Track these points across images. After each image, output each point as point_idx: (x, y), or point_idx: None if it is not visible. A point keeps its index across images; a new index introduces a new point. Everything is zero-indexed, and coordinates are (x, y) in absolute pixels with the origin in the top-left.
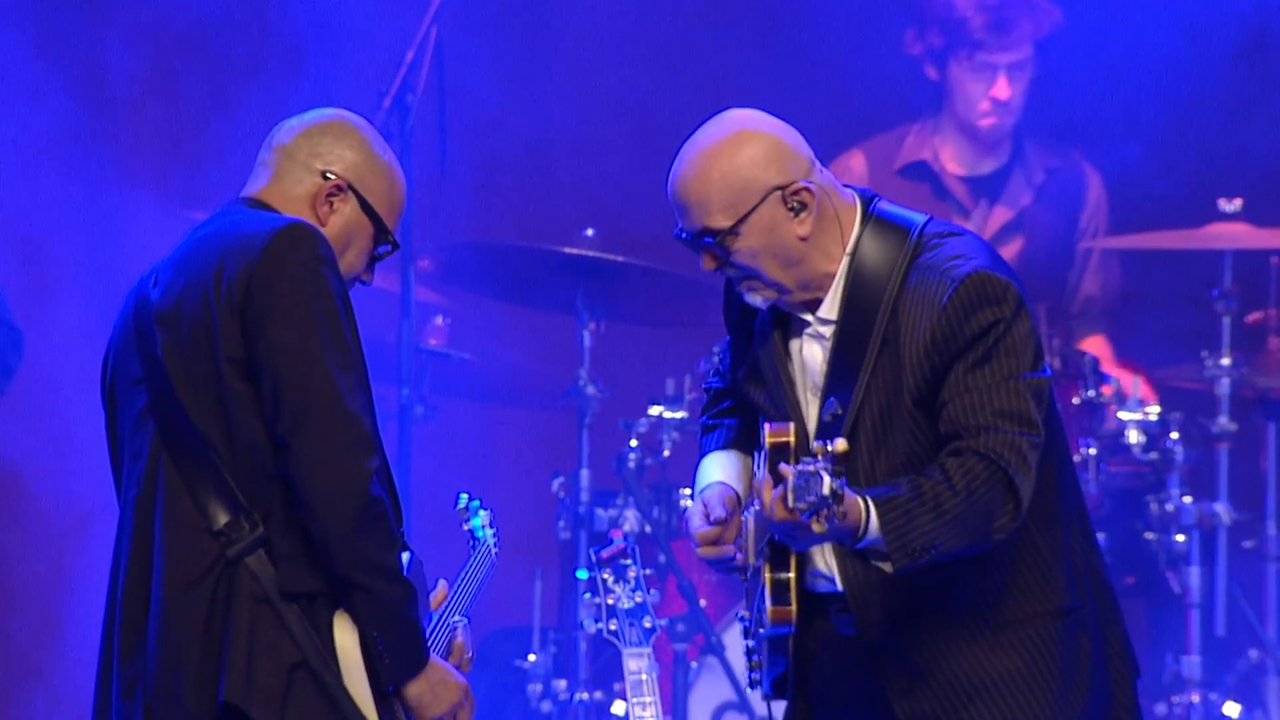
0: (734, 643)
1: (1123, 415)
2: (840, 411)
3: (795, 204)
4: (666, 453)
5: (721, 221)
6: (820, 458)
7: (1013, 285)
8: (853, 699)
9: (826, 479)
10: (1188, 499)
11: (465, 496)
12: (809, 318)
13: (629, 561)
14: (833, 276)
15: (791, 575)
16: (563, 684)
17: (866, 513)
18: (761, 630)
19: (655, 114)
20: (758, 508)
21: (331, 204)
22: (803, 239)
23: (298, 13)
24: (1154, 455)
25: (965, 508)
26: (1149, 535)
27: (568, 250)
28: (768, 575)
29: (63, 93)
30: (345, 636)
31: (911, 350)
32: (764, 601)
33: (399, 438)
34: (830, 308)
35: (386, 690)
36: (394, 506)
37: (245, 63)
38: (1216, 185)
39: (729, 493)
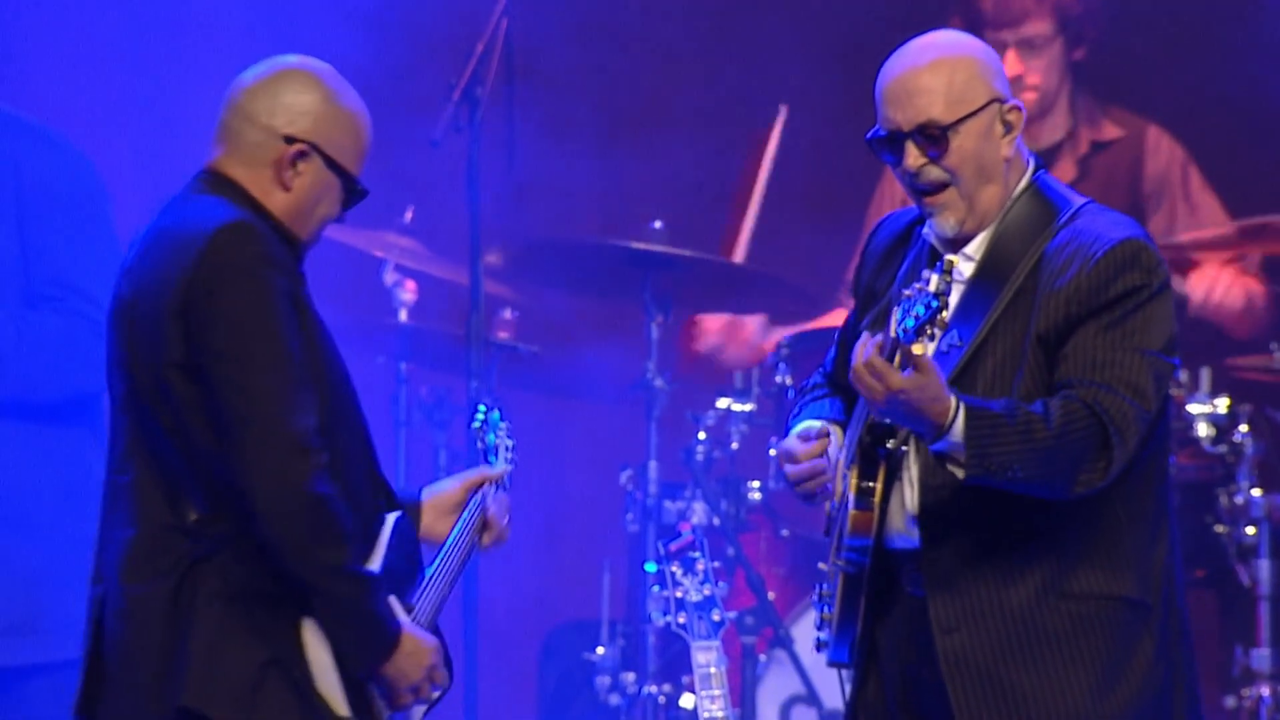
0: (803, 636)
1: (1192, 409)
2: (960, 343)
3: (1007, 122)
4: (735, 445)
5: (947, 115)
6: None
7: (1164, 264)
8: (924, 667)
9: (934, 278)
10: (1257, 492)
11: (484, 409)
12: (953, 257)
13: (697, 554)
14: (994, 217)
15: (878, 485)
16: (631, 677)
17: (955, 412)
18: (839, 562)
19: (724, 105)
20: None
21: (296, 167)
22: (1005, 160)
23: (368, 8)
24: (1223, 448)
25: (1054, 444)
26: (1218, 528)
27: (635, 245)
28: (854, 480)
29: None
30: (310, 633)
31: (1049, 295)
32: (843, 520)
33: (467, 431)
34: (977, 247)
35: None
36: (370, 493)
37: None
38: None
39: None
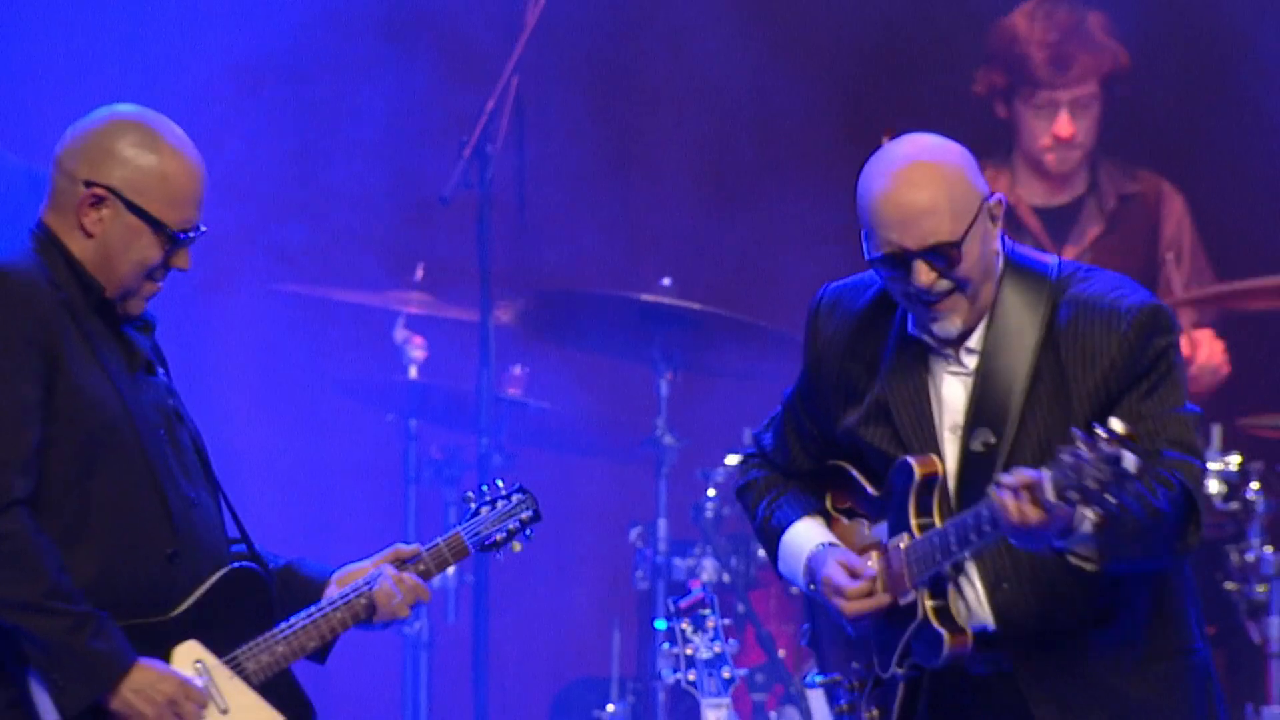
0: (813, 693)
1: None
2: (994, 441)
3: (994, 216)
4: None
5: (953, 231)
6: (1091, 445)
7: (1175, 316)
8: None
9: (1130, 456)
10: (1268, 549)
11: (486, 488)
12: (951, 352)
13: (707, 611)
14: (989, 306)
15: (951, 603)
16: None
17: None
18: (900, 670)
19: (732, 163)
20: (906, 545)
21: (99, 212)
22: (996, 253)
23: (379, 66)
24: (1234, 505)
25: (1163, 517)
26: (1229, 585)
27: (645, 297)
28: (928, 604)
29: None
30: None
31: (1085, 379)
32: (914, 637)
33: (477, 487)
34: (979, 339)
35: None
36: (157, 540)
37: (326, 109)
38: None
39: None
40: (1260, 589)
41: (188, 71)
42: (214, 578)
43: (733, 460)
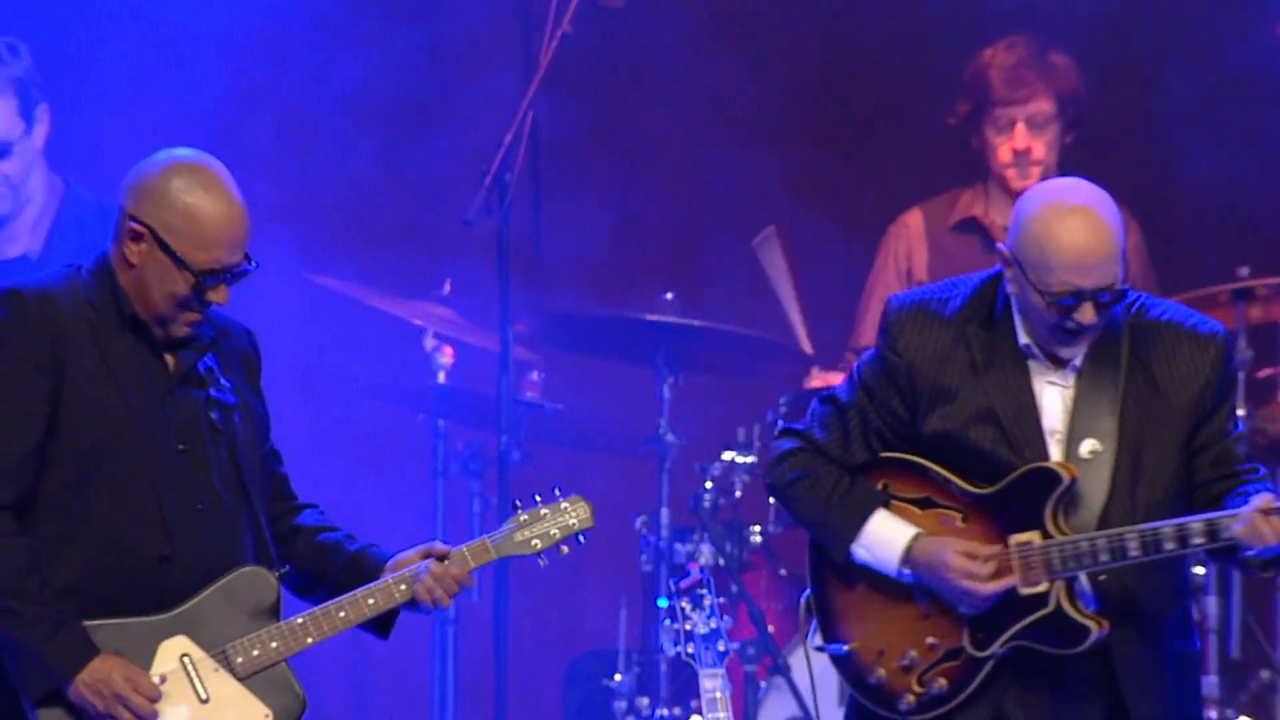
0: (799, 664)
1: None
2: (1100, 449)
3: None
4: (738, 493)
5: (1120, 277)
6: None
7: None
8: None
9: None
10: None
11: (539, 497)
12: (1052, 365)
13: (705, 591)
14: None
15: (1075, 594)
16: (645, 701)
17: None
18: (1000, 649)
19: (729, 188)
20: (1041, 542)
21: (138, 246)
22: None
23: (395, 94)
24: None
25: None
26: None
27: (649, 316)
28: (1066, 600)
29: None
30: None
31: (1183, 394)
32: (1040, 624)
33: (499, 480)
34: (1081, 359)
35: (35, 703)
36: (148, 540)
37: (355, 149)
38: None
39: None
40: (1198, 571)
41: (222, 91)
42: (221, 580)
43: (728, 456)
